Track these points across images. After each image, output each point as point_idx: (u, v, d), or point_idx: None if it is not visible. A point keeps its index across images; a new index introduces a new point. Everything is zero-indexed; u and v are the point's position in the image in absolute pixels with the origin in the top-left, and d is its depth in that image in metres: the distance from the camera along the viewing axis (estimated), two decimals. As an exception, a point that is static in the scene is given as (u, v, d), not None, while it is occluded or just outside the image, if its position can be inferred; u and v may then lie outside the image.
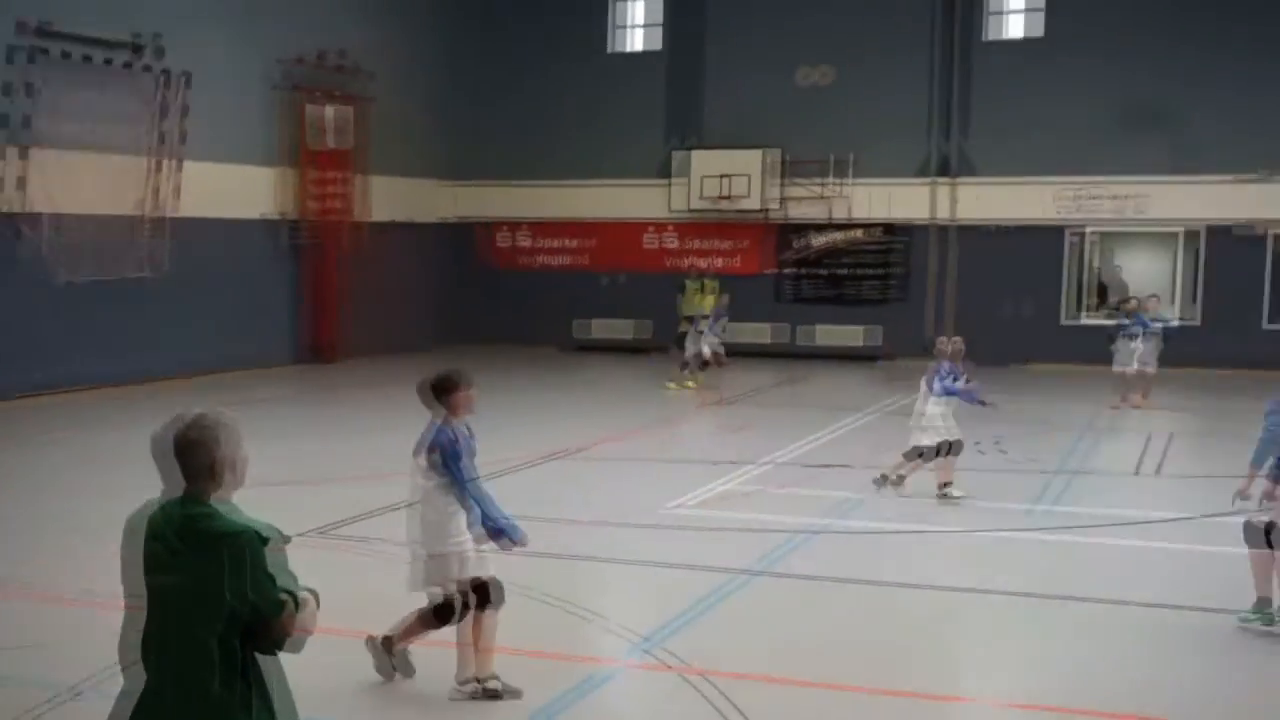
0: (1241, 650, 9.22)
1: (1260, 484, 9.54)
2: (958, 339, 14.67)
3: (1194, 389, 23.66)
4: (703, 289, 29.30)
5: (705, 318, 24.39)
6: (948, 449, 14.08)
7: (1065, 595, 10.50)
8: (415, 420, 7.99)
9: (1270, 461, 9.50)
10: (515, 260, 32.24)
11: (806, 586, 10.72)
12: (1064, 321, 28.49)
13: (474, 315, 31.20)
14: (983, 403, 14.48)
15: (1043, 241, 28.25)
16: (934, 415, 14.03)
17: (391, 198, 28.87)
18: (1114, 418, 20.92)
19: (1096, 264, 29.40)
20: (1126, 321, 21.95)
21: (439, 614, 7.88)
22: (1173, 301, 27.50)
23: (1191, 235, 27.79)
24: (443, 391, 7.87)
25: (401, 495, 8.92)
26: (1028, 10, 28.82)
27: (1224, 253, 27.26)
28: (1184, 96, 26.95)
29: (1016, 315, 28.21)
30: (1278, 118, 26.53)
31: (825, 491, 14.46)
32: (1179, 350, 24.00)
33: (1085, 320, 28.42)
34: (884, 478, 14.33)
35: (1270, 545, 9.35)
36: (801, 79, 29.62)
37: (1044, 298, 28.43)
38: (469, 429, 8.00)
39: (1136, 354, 21.43)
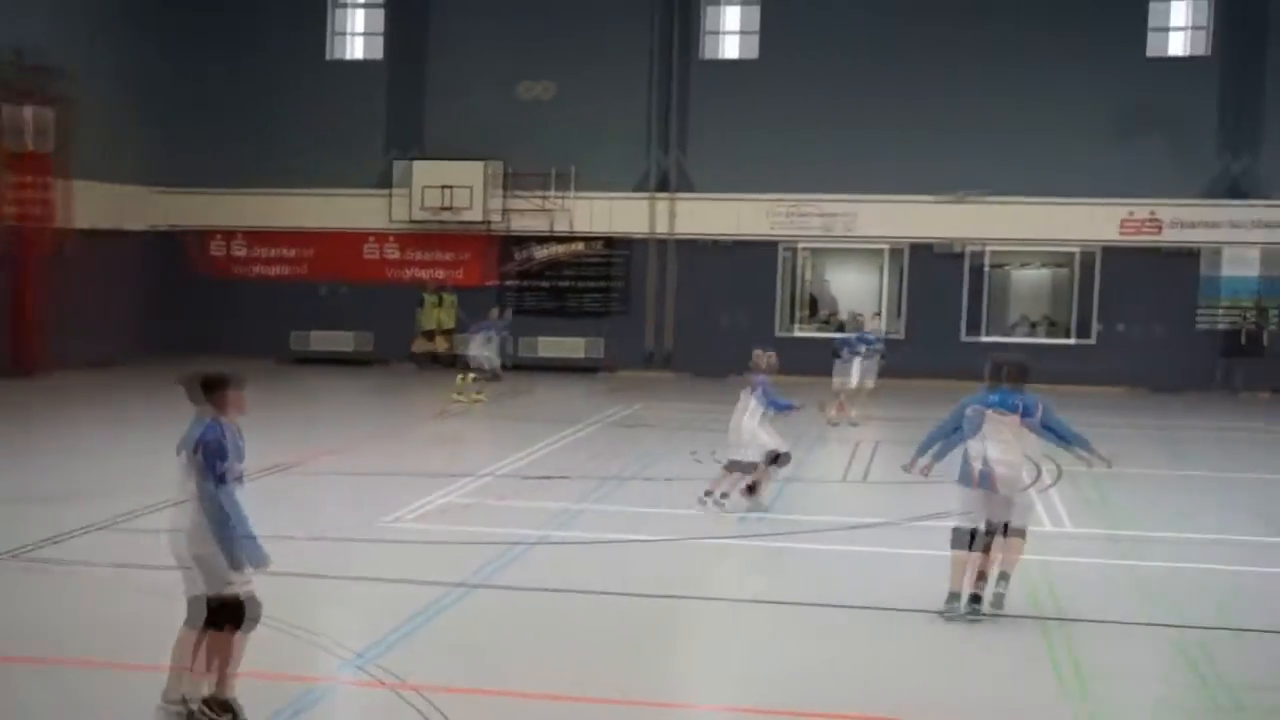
0: (951, 643, 9.66)
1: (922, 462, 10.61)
2: (771, 353, 14.65)
3: (898, 400, 24.65)
4: (440, 303, 29.22)
5: (484, 329, 23.85)
6: (774, 459, 14.24)
7: (781, 600, 10.79)
8: (116, 436, 7.66)
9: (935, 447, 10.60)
10: (230, 270, 31.32)
11: (523, 598, 10.71)
12: (779, 333, 29.33)
13: (187, 326, 30.09)
14: (788, 407, 14.37)
15: (758, 256, 29.08)
16: (755, 429, 14.06)
17: (98, 204, 27.66)
18: (826, 429, 21.61)
19: (808, 278, 30.47)
20: (850, 337, 22.50)
21: (221, 616, 7.42)
22: (878, 315, 28.62)
23: (896, 252, 29.06)
24: (212, 388, 7.53)
25: (98, 516, 8.52)
26: (743, 32, 29.63)
27: (925, 269, 28.58)
28: (890, 121, 28.18)
29: (734, 327, 28.94)
30: (973, 143, 27.95)
31: (544, 503, 14.49)
32: (886, 362, 25.16)
33: (798, 332, 29.40)
34: (708, 494, 14.18)
35: (971, 548, 10.14)
36: (523, 92, 29.73)
37: (760, 310, 29.24)
38: (239, 430, 7.66)
39: (858, 370, 21.97)
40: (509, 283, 30.20)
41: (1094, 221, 27.97)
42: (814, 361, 24.26)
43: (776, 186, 28.73)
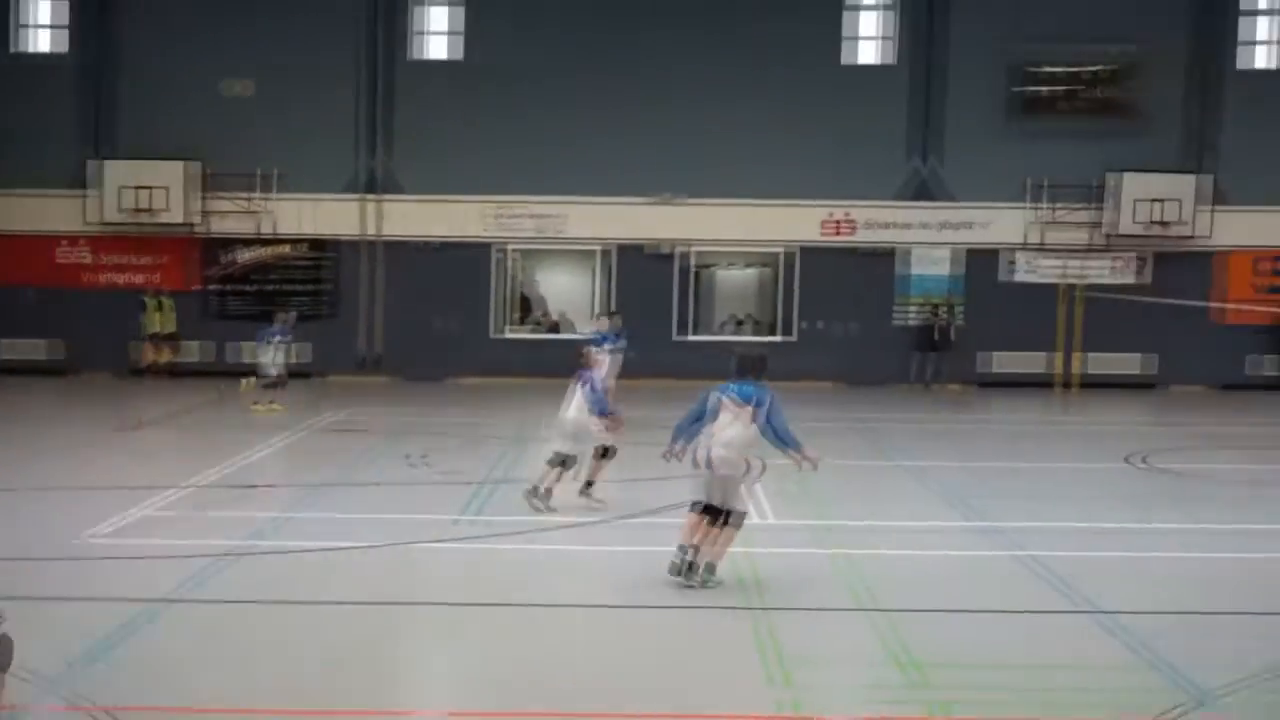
0: (661, 635, 9.81)
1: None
2: (592, 349, 14.98)
3: (616, 400, 24.93)
4: (160, 307, 28.17)
5: (274, 334, 23.14)
6: (602, 453, 14.44)
7: (495, 601, 10.75)
8: None
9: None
10: (-94, 276, 29.33)
11: (226, 612, 10.37)
12: (493, 335, 29.33)
13: None
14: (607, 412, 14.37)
15: (471, 258, 28.97)
16: (584, 423, 14.17)
17: None
18: (547, 427, 21.60)
19: (520, 280, 30.56)
20: (596, 337, 21.81)
21: None
22: (592, 317, 28.94)
23: (607, 253, 29.40)
24: None
25: None
26: (450, 33, 29.44)
27: (636, 270, 29.01)
28: (598, 123, 28.53)
29: (447, 330, 28.79)
30: (680, 146, 28.53)
31: (250, 513, 14.06)
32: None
33: (509, 334, 29.47)
34: (534, 490, 14.19)
35: (704, 514, 11.09)
36: (225, 91, 28.80)
37: (474, 312, 29.14)
38: None
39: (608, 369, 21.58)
40: (212, 287, 29.24)
41: (795, 223, 28.92)
42: (529, 362, 24.40)
43: (487, 188, 28.69)
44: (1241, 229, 28.79)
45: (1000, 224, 28.96)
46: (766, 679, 8.87)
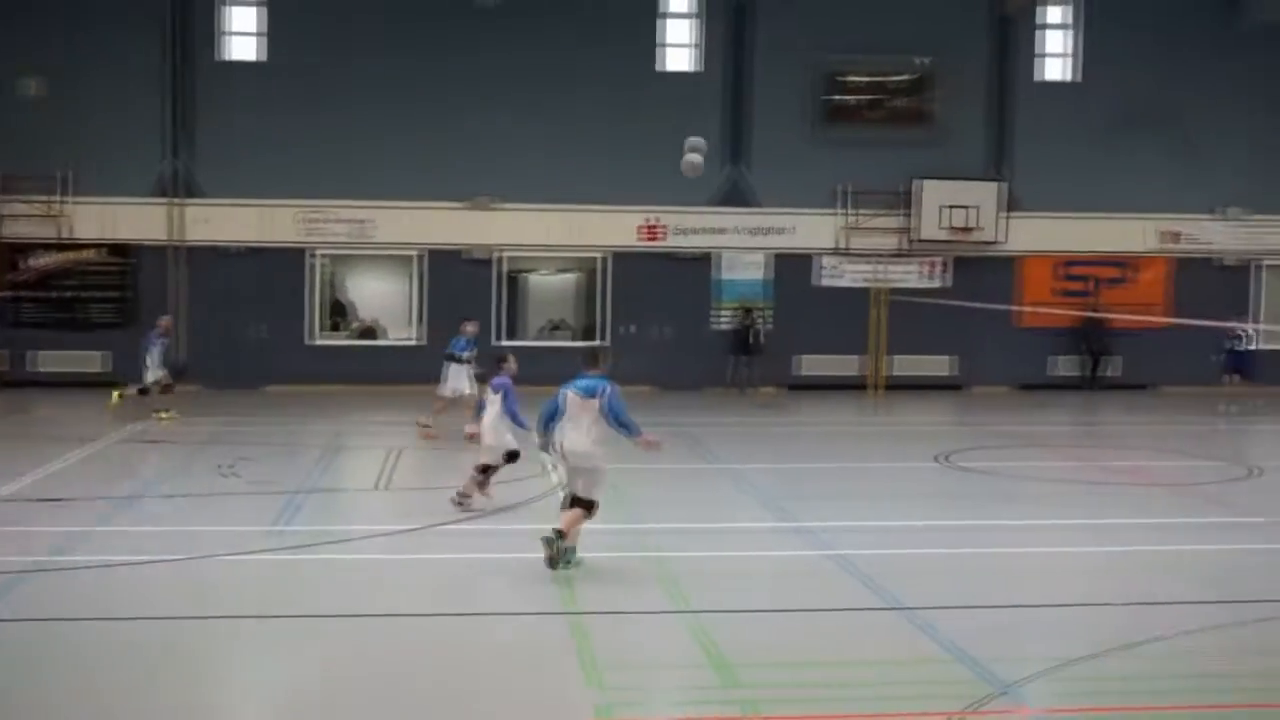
0: (476, 642, 9.72)
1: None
2: (512, 358, 15.25)
3: (424, 406, 24.70)
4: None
5: (157, 341, 22.84)
6: (510, 458, 14.58)
7: (303, 613, 10.54)
8: None
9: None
10: None
11: (23, 630, 9.97)
12: (308, 342, 28.79)
13: None
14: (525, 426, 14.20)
15: (283, 263, 28.36)
16: (502, 431, 14.32)
17: None
18: (362, 434, 21.33)
19: (332, 285, 30.08)
20: (460, 341, 21.07)
21: None
22: (409, 323, 28.75)
23: (422, 258, 29.07)
24: None
25: None
26: (256, 34, 28.74)
27: (453, 275, 28.76)
28: (410, 127, 28.23)
29: (258, 337, 28.17)
30: (495, 151, 28.38)
31: (49, 528, 13.55)
32: (409, 369, 25.37)
33: (322, 341, 28.97)
34: (462, 496, 14.43)
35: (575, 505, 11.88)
36: (18, 90, 27.68)
37: (287, 319, 28.54)
38: None
39: (467, 377, 20.73)
40: (8, 294, 28.08)
41: (611, 228, 29.02)
42: (343, 369, 23.94)
43: (297, 192, 28.12)
44: (1038, 234, 29.84)
45: (811, 229, 29.50)
46: (585, 681, 8.86)
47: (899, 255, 29.72)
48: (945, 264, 29.96)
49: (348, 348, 29.25)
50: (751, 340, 28.68)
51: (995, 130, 29.90)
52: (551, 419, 11.95)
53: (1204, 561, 12.79)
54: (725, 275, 29.49)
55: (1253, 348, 26.21)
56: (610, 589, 11.48)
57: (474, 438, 14.68)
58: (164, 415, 22.39)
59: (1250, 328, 26.23)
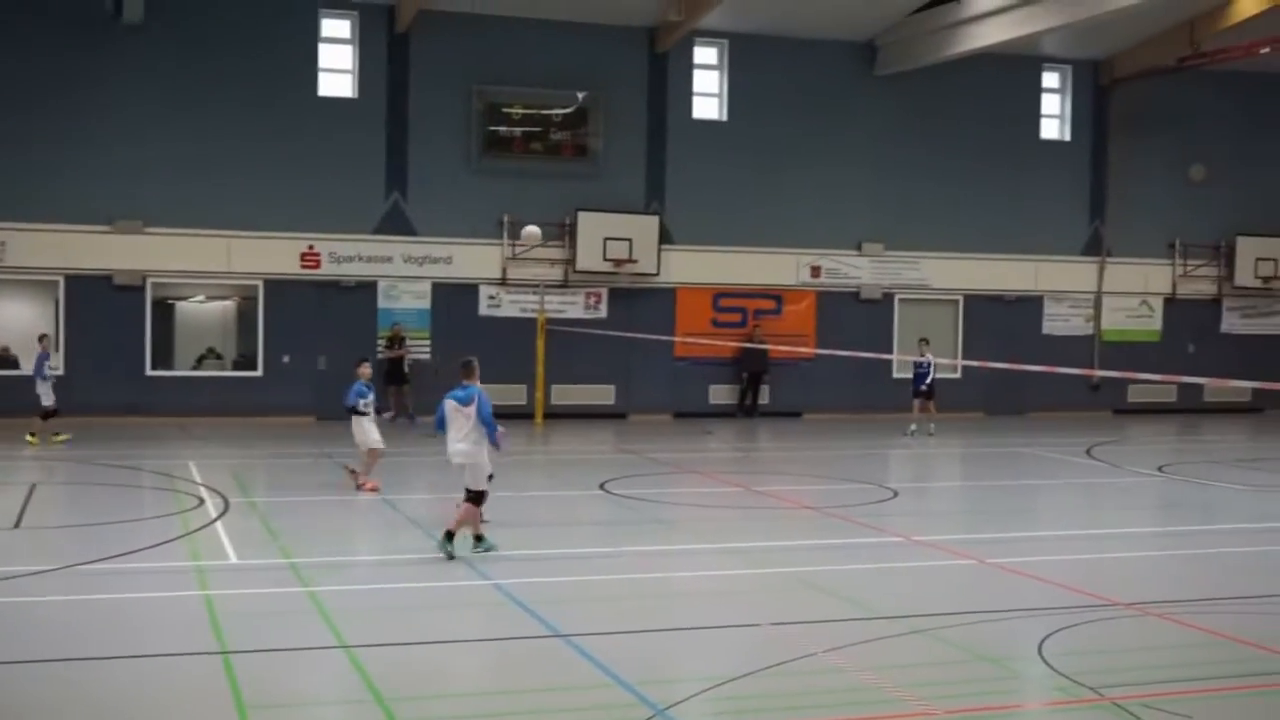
0: (126, 690, 9.14)
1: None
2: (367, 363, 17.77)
3: (87, 437, 23.38)
4: None
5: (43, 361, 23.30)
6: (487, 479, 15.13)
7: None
8: None
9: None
10: None
11: None
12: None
13: None
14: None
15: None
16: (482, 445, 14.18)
17: None
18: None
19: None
20: (360, 385, 18.55)
21: None
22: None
23: (56, 283, 27.46)
24: None
25: None
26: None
27: (101, 302, 27.33)
28: (44, 146, 26.79)
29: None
30: (146, 174, 27.25)
31: None
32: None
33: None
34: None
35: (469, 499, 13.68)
36: None
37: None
38: None
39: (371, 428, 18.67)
40: None
41: (271, 255, 28.22)
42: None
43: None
44: (694, 267, 30.76)
45: (473, 259, 29.46)
46: (230, 726, 8.47)
47: (560, 286, 30.00)
48: (600, 295, 30.42)
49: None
50: (408, 369, 28.28)
51: (652, 165, 30.64)
52: (440, 429, 13.84)
53: (848, 580, 13.30)
54: (387, 304, 29.09)
55: (933, 375, 27.47)
56: (262, 626, 11.04)
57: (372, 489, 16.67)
58: (59, 437, 22.92)
59: (931, 358, 27.50)
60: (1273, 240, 34.65)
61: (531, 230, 19.58)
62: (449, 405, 13.63)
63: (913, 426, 27.32)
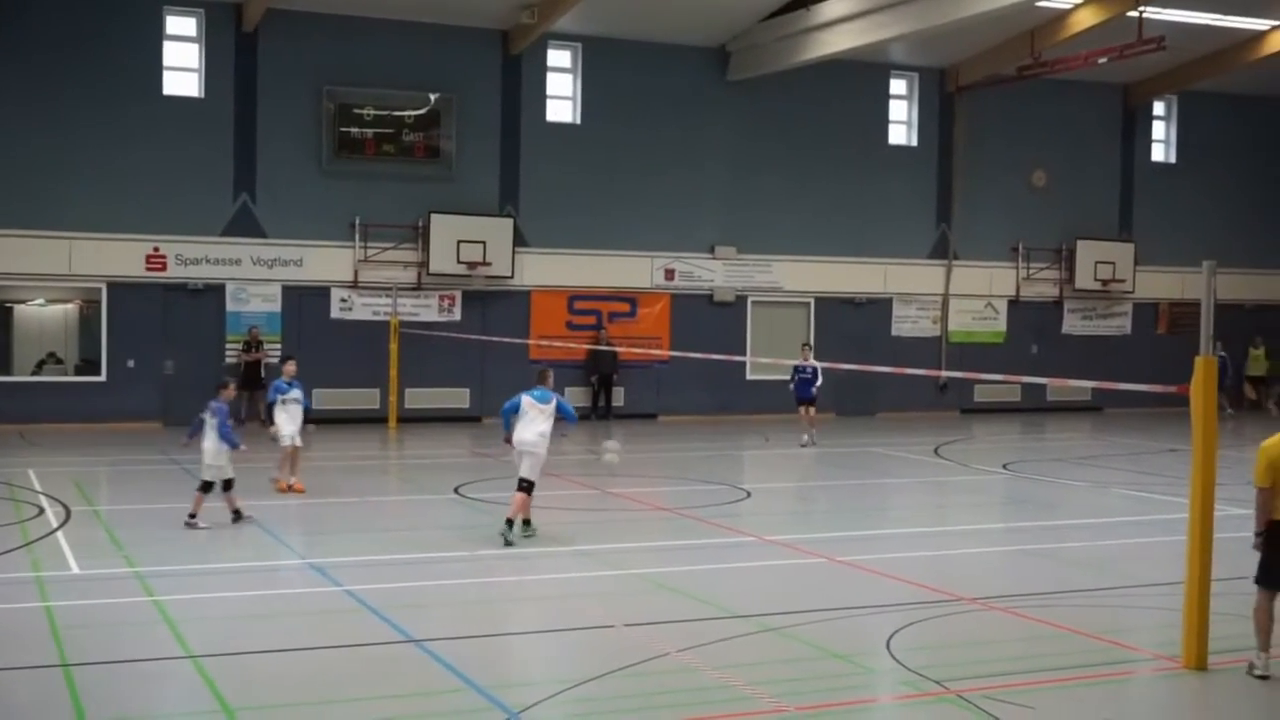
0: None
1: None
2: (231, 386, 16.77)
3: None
4: None
5: None
6: (227, 485, 15.82)
7: None
8: None
9: None
10: None
11: None
12: None
13: None
14: (237, 445, 15.95)
15: None
16: (218, 453, 15.75)
17: None
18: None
19: None
20: (281, 383, 18.81)
21: None
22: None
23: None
24: None
25: None
26: None
27: None
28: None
29: None
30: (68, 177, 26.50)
31: None
32: None
33: None
34: (192, 517, 15.59)
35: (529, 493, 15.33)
36: None
37: None
38: None
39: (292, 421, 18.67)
40: None
41: (111, 256, 27.46)
42: None
43: None
44: (548, 270, 30.76)
45: (324, 261, 29.07)
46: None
47: (414, 289, 29.74)
48: (458, 298, 30.25)
49: None
50: (264, 374, 27.71)
51: (506, 168, 30.55)
52: (510, 418, 15.40)
53: (701, 580, 13.41)
54: (236, 307, 28.55)
55: (819, 380, 26.65)
56: (105, 637, 10.77)
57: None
58: None
59: (815, 363, 26.71)
60: (1111, 244, 35.85)
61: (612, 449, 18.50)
62: (526, 400, 15.28)
63: (805, 437, 26.32)
